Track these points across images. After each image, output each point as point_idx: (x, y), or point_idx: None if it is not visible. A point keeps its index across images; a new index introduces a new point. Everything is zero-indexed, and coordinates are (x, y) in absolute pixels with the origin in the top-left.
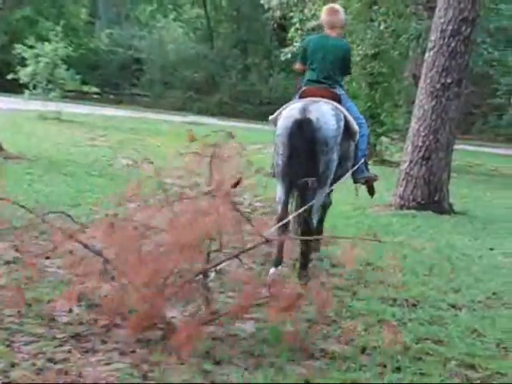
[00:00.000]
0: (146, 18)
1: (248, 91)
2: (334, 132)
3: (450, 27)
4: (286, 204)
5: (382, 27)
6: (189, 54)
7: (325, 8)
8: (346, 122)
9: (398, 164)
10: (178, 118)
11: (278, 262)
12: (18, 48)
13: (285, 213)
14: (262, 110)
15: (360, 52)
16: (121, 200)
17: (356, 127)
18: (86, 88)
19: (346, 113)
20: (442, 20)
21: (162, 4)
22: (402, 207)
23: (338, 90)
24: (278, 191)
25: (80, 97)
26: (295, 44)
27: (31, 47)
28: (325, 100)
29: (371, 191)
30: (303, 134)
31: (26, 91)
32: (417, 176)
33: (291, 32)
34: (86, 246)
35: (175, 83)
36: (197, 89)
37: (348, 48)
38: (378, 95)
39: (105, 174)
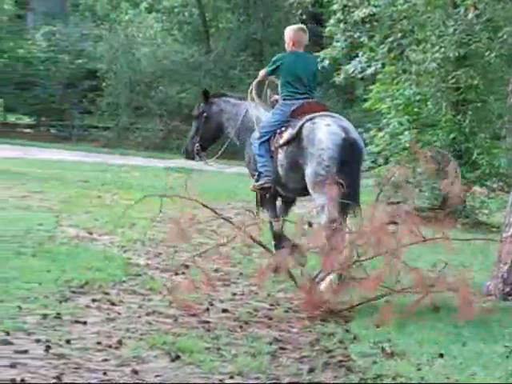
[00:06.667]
0: (103, 8)
1: None
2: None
3: None
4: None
5: (470, 15)
6: (173, 62)
7: (292, 27)
8: None
9: (499, 228)
10: (157, 163)
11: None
12: None
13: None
14: None
15: (437, 55)
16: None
17: None
18: (12, 118)
19: None
20: None
21: None
22: (507, 296)
23: None
24: (322, 199)
25: (4, 132)
26: (336, 45)
27: None
28: (336, 116)
29: None
30: (354, 151)
31: None
32: None
33: (330, 25)
34: None
35: (152, 109)
36: (185, 116)
37: (317, 61)
38: (468, 122)
39: (42, 251)
